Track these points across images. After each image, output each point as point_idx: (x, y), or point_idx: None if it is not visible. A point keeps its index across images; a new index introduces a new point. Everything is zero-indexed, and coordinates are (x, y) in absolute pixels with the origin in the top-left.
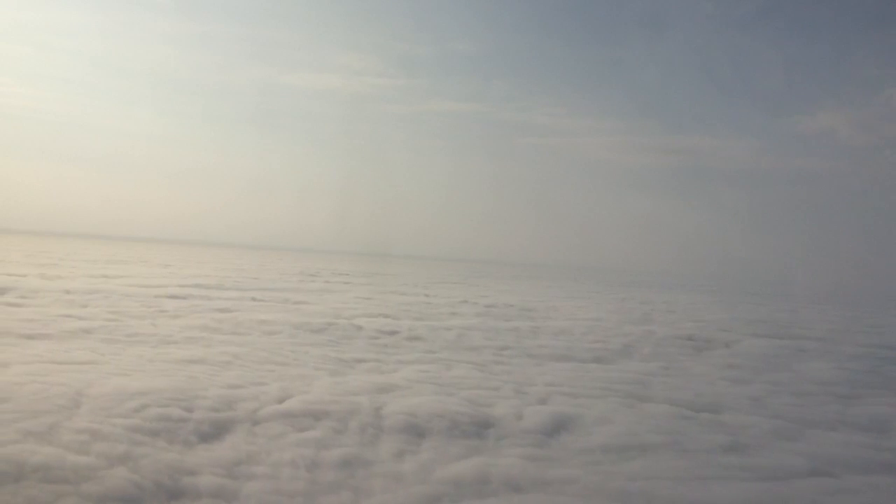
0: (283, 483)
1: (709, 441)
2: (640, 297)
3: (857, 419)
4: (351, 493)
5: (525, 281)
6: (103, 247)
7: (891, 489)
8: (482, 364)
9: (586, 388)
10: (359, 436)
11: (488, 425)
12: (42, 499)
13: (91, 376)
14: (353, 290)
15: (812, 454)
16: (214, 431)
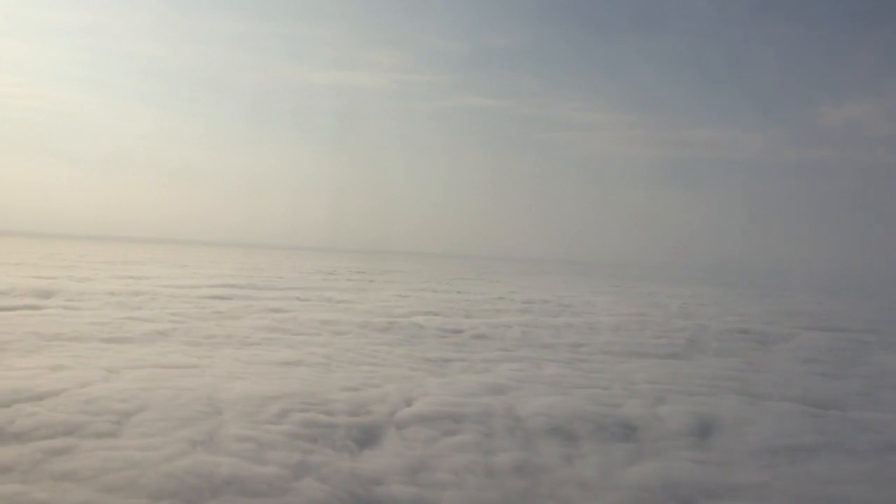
0: (473, 491)
1: (866, 441)
2: (662, 291)
3: None
4: (554, 503)
5: (538, 277)
6: (107, 248)
7: None
8: (567, 362)
9: (690, 385)
10: (511, 439)
11: (631, 427)
12: None
13: (208, 380)
14: (384, 289)
15: None
16: (367, 437)
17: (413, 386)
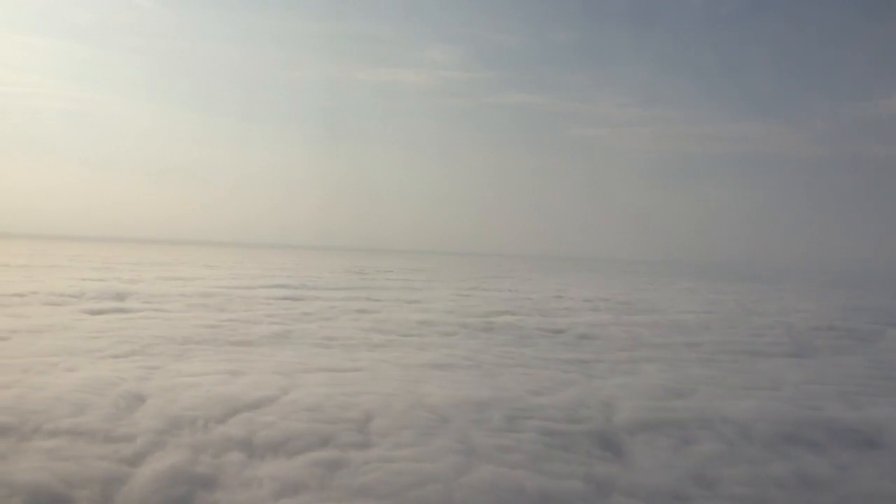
0: None
1: None
2: (700, 288)
3: None
4: None
5: (564, 275)
6: (123, 250)
7: None
8: (702, 362)
9: (854, 386)
10: (756, 447)
11: (863, 432)
12: None
13: (393, 384)
14: (433, 288)
15: None
16: (609, 446)
17: (592, 389)
